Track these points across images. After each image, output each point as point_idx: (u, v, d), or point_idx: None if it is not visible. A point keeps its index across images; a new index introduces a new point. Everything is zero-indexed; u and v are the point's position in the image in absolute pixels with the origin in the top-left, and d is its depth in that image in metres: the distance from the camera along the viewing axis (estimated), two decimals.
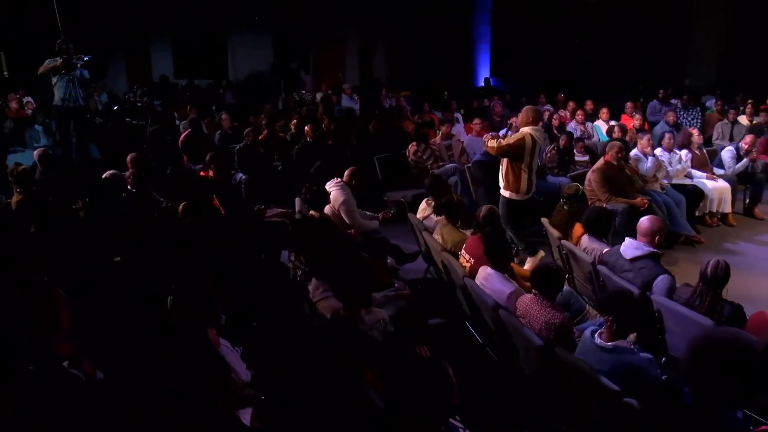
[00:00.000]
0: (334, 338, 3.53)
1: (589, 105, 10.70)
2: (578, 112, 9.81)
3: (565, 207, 5.40)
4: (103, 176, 6.27)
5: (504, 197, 6.24)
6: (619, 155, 6.88)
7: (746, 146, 8.14)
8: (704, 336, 2.91)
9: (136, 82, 13.78)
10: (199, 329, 3.11)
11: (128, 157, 6.93)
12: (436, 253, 5.11)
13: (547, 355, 3.55)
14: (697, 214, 7.74)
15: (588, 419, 3.51)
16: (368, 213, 6.38)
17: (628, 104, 10.74)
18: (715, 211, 7.79)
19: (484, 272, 4.30)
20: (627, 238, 4.55)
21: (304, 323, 3.93)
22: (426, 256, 5.82)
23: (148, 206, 6.55)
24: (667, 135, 7.84)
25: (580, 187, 5.62)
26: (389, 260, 6.09)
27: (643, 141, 7.64)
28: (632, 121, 9.29)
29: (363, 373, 3.35)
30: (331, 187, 6.01)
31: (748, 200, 8.30)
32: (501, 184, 6.29)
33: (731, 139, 9.84)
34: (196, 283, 3.81)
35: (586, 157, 8.59)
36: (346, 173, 6.22)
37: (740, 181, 8.17)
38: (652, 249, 4.40)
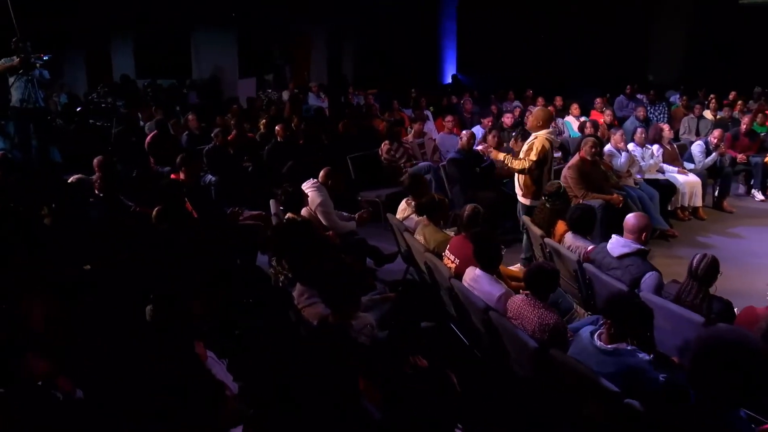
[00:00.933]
0: (323, 346, 3.40)
1: (558, 101, 10.73)
2: (548, 108, 9.81)
3: (547, 205, 5.35)
4: (69, 181, 6.01)
5: (524, 204, 6.15)
6: (594, 151, 6.89)
7: (715, 141, 8.26)
8: (709, 336, 2.87)
9: (95, 81, 13.35)
10: (185, 343, 2.95)
11: (95, 161, 6.65)
12: (419, 254, 5.01)
13: (542, 357, 3.49)
14: (669, 208, 7.83)
15: (586, 421, 3.46)
16: (344, 214, 6.25)
17: (598, 100, 10.83)
18: (687, 205, 7.89)
19: (472, 273, 4.22)
20: (614, 236, 4.52)
21: (290, 331, 3.78)
22: (406, 256, 5.72)
23: (118, 211, 6.31)
24: (639, 130, 7.90)
25: (562, 184, 5.58)
26: (367, 262, 5.98)
27: (616, 136, 7.68)
28: (603, 117, 9.34)
29: (357, 383, 3.24)
30: (307, 188, 5.87)
31: (717, 194, 8.43)
32: (519, 192, 6.18)
33: (697, 134, 10.00)
34: (177, 292, 3.65)
35: (559, 154, 8.60)
36: (321, 173, 6.07)
37: (709, 175, 8.28)
38: (639, 246, 4.37)
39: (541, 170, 5.99)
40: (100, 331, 3.59)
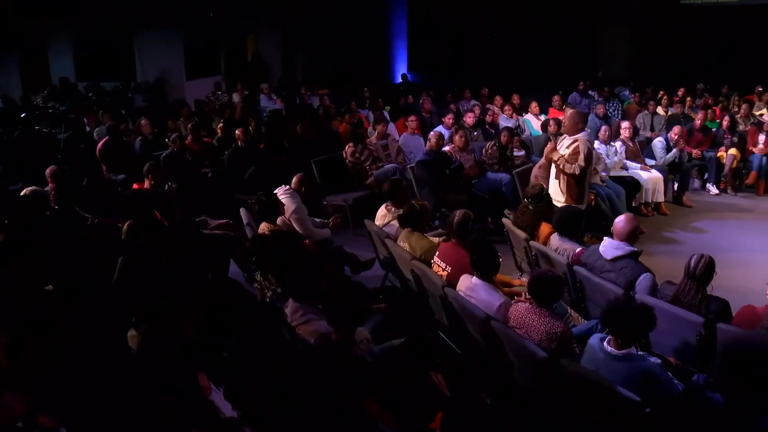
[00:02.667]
0: (327, 367, 3.21)
1: (516, 99, 10.76)
2: (506, 106, 9.82)
3: (530, 207, 5.29)
4: (22, 193, 5.59)
5: None
6: None
7: (675, 137, 8.41)
8: (736, 341, 2.84)
9: (31, 85, 12.64)
10: (188, 376, 2.70)
11: (48, 171, 6.26)
12: (404, 261, 4.85)
13: (551, 367, 3.39)
14: (633, 204, 7.91)
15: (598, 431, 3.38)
16: (317, 220, 6.05)
17: (556, 97, 10.90)
18: (650, 201, 8.01)
19: (468, 282, 4.10)
20: (606, 238, 4.49)
21: (285, 350, 3.56)
22: (386, 264, 5.55)
23: (75, 224, 5.92)
24: (603, 128, 7.97)
25: (544, 186, 5.52)
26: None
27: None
28: (563, 114, 9.35)
29: (367, 405, 3.06)
30: (280, 195, 5.63)
31: (676, 189, 8.59)
32: (560, 198, 5.94)
33: (652, 130, 10.18)
34: (169, 317, 3.39)
35: (522, 152, 8.59)
36: (294, 180, 5.85)
37: (669, 170, 8.43)
38: (632, 248, 4.35)
39: (585, 174, 5.91)
40: (84, 361, 3.30)
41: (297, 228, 5.58)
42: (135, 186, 6.16)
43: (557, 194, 5.97)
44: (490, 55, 15.13)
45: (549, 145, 6.26)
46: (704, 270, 3.90)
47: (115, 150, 8.09)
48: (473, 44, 15.32)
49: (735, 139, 9.14)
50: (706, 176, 9.24)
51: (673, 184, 8.60)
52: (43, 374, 3.20)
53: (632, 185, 7.79)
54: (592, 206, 6.62)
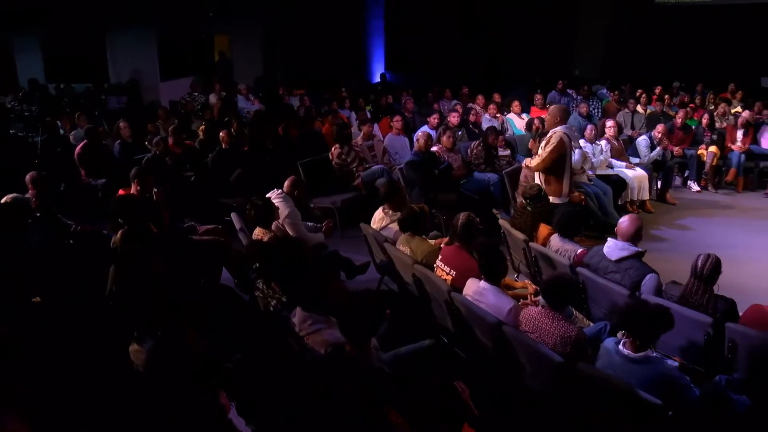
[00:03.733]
0: (344, 379, 3.11)
1: (497, 98, 10.75)
2: (491, 106, 9.81)
3: (528, 208, 5.26)
4: (2, 201, 5.37)
5: (555, 204, 5.98)
6: None
7: (659, 135, 8.49)
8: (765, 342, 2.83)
9: None
10: (209, 395, 2.58)
11: (28, 177, 6.03)
12: (405, 265, 4.77)
13: (567, 371, 3.35)
14: (619, 203, 7.96)
15: None
16: (309, 224, 5.94)
17: (538, 96, 10.92)
18: (635, 199, 8.06)
19: (476, 286, 4.04)
20: (609, 239, 4.47)
21: (296, 362, 3.45)
22: (381, 267, 5.47)
23: (59, 233, 5.72)
24: (589, 127, 8.00)
25: (542, 186, 5.49)
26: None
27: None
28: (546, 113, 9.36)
29: (389, 417, 2.98)
30: (274, 199, 5.50)
31: (660, 187, 8.68)
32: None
33: (633, 128, 10.27)
34: (175, 329, 3.26)
35: (507, 152, 8.58)
36: (286, 183, 5.73)
37: (654, 168, 8.51)
38: (637, 249, 4.34)
39: (561, 167, 5.95)
40: (83, 379, 3.16)
41: (290, 232, 5.47)
42: (121, 191, 5.95)
43: None
44: (467, 54, 15.13)
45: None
46: (711, 270, 3.91)
47: (94, 154, 7.87)
48: (450, 43, 15.29)
49: (714, 136, 9.27)
50: (686, 173, 9.35)
51: (656, 182, 8.68)
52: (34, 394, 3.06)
53: (618, 184, 7.83)
54: (583, 205, 6.63)
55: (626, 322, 3.23)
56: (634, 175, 8.01)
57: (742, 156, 9.05)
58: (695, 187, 9.15)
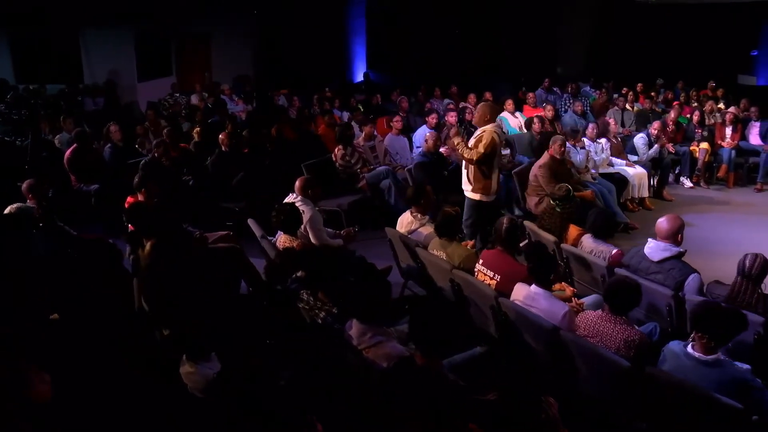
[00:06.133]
0: (418, 393, 2.99)
1: (488, 96, 10.71)
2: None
3: (558, 209, 5.22)
4: (6, 212, 5.08)
5: (473, 200, 6.03)
6: (563, 150, 6.90)
7: (655, 132, 8.57)
8: None
9: None
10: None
11: (24, 185, 5.74)
12: (440, 270, 4.67)
13: (635, 376, 3.30)
14: (620, 200, 8.01)
15: None
16: (329, 230, 5.79)
17: (530, 95, 10.92)
18: (636, 196, 8.12)
19: (526, 290, 3.97)
20: (650, 240, 4.45)
21: (356, 377, 3.31)
22: (408, 272, 5.36)
23: (64, 242, 5.45)
24: (591, 125, 8.02)
25: (570, 187, 5.45)
26: None
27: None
28: (545, 113, 9.37)
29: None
30: (296, 204, 5.34)
31: (656, 184, 8.77)
32: (467, 187, 6.06)
33: (622, 126, 10.35)
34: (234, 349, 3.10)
35: (507, 151, 8.54)
36: (297, 185, 5.53)
37: (652, 166, 8.60)
38: (679, 249, 4.33)
39: (491, 165, 5.91)
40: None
41: (312, 237, 5.32)
42: (130, 199, 5.69)
43: (465, 183, 6.11)
44: (449, 52, 15.08)
45: (453, 130, 6.50)
46: (760, 269, 3.92)
47: (84, 158, 7.54)
48: (433, 42, 15.22)
49: (705, 133, 9.42)
50: (677, 170, 9.48)
51: (653, 180, 8.77)
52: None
53: (620, 181, 7.88)
54: (593, 202, 6.68)
55: (700, 324, 3.18)
56: (635, 172, 8.08)
57: (732, 152, 9.22)
58: (688, 183, 9.29)
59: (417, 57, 14.95)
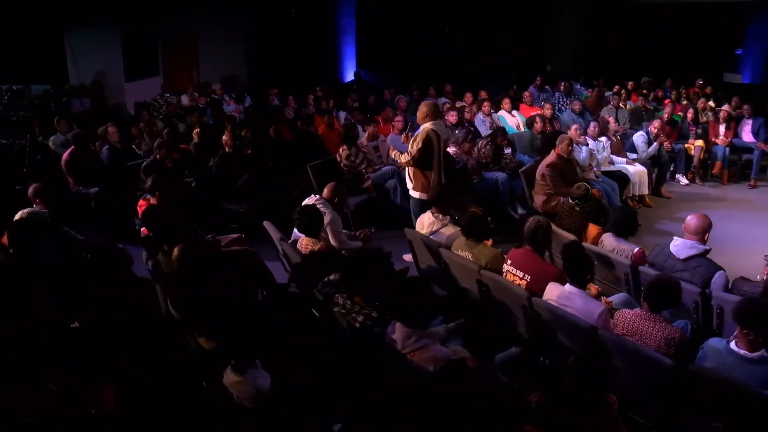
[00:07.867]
0: (469, 394, 2.98)
1: (483, 95, 10.74)
2: (485, 104, 9.76)
3: (577, 209, 5.24)
4: (17, 217, 4.95)
5: (416, 199, 6.17)
6: (569, 149, 6.94)
7: (655, 130, 8.67)
8: None
9: None
10: None
11: (30, 190, 5.62)
12: (467, 271, 4.66)
13: (679, 374, 3.32)
14: (622, 198, 8.08)
15: None
16: (347, 232, 5.75)
17: (526, 93, 10.96)
18: (636, 194, 8.20)
19: (559, 290, 3.97)
20: (676, 238, 4.50)
21: (403, 382, 3.27)
22: (429, 273, 5.34)
23: (75, 248, 5.31)
24: (592, 124, 8.08)
25: (589, 186, 5.48)
26: None
27: (572, 131, 7.79)
28: (544, 111, 9.39)
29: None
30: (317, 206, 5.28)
31: (655, 181, 8.86)
32: (410, 185, 6.21)
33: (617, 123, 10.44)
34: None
35: (509, 150, 8.57)
36: (326, 190, 5.51)
37: (651, 163, 8.69)
38: (705, 247, 4.38)
39: (429, 162, 5.98)
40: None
41: (332, 240, 5.28)
42: (143, 203, 5.58)
43: (407, 182, 6.31)
44: (439, 51, 15.09)
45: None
46: None
47: (82, 161, 7.38)
48: (422, 41, 15.22)
49: (699, 131, 9.55)
50: (672, 167, 9.58)
51: (651, 177, 8.85)
52: None
53: (622, 179, 7.96)
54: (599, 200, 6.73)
55: (745, 321, 3.20)
56: (635, 170, 8.16)
57: (727, 149, 9.36)
58: (684, 180, 9.41)
59: (409, 56, 14.95)
